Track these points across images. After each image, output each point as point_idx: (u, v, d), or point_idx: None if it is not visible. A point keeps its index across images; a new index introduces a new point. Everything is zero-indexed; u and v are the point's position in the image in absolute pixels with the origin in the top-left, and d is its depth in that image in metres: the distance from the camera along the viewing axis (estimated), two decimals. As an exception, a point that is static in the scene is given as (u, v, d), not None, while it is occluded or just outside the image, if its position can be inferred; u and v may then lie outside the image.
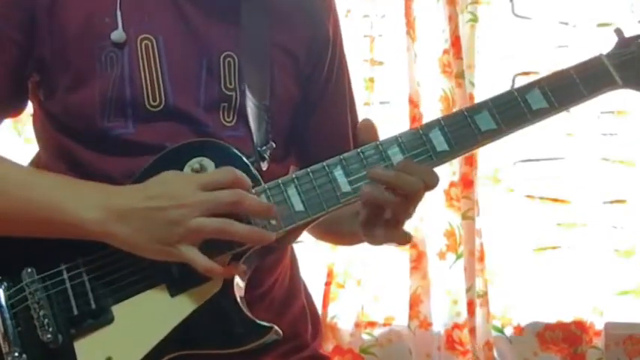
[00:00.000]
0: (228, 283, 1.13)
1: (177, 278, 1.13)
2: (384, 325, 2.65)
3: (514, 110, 1.17)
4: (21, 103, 1.28)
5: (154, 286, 1.13)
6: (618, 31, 1.24)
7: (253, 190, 1.13)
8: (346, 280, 2.59)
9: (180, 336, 1.12)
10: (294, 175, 1.14)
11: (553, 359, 2.58)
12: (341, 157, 1.14)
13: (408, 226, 2.72)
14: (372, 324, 2.64)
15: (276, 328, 1.13)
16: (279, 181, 1.14)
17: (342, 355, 2.59)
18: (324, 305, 2.58)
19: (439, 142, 1.16)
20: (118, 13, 1.19)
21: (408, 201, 1.13)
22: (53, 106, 1.22)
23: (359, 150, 1.15)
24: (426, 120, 2.57)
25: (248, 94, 1.21)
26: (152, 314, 1.12)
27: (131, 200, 1.10)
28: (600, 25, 2.52)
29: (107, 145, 1.19)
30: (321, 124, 1.34)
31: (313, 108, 1.33)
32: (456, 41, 2.58)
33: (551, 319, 2.59)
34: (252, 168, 1.15)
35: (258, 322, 1.13)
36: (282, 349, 1.26)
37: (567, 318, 2.58)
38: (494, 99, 1.18)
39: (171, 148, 1.16)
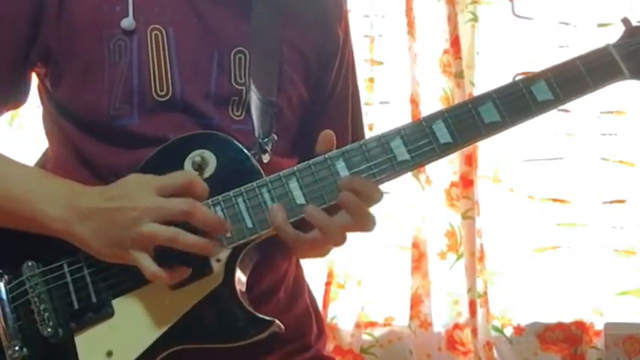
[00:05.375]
0: (229, 277, 1.12)
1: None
2: (384, 325, 2.65)
3: (519, 102, 1.14)
4: (21, 94, 1.27)
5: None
6: (626, 21, 1.21)
7: (254, 184, 1.12)
8: (346, 280, 2.59)
9: (181, 330, 1.11)
10: (295, 168, 1.13)
11: (553, 359, 2.58)
12: (343, 149, 1.13)
13: (410, 225, 2.71)
14: (372, 324, 2.64)
15: (277, 322, 1.13)
16: (281, 174, 1.13)
17: (343, 355, 2.59)
18: (324, 305, 2.58)
19: (442, 134, 1.13)
20: (130, 0, 1.19)
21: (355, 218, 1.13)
22: (61, 95, 1.22)
23: (361, 143, 1.14)
24: (425, 119, 2.57)
25: (253, 89, 1.21)
26: (152, 308, 1.12)
27: (94, 200, 1.10)
28: (600, 25, 2.52)
29: (111, 136, 1.18)
30: (327, 127, 1.34)
31: (320, 110, 1.32)
32: (455, 41, 2.58)
33: (551, 320, 2.60)
34: (252, 160, 1.15)
35: (259, 315, 1.12)
36: (287, 349, 1.25)
37: (567, 318, 2.58)
38: (499, 90, 1.15)
39: (173, 141, 1.15)
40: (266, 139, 1.19)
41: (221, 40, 1.22)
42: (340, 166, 1.12)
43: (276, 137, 1.20)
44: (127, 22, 1.18)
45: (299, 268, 1.36)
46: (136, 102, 1.18)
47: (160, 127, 1.17)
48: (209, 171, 1.13)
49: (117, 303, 1.13)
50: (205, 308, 1.11)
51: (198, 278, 1.12)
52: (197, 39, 1.21)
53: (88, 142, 1.20)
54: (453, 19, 2.58)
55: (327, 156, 1.12)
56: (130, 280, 1.13)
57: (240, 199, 1.11)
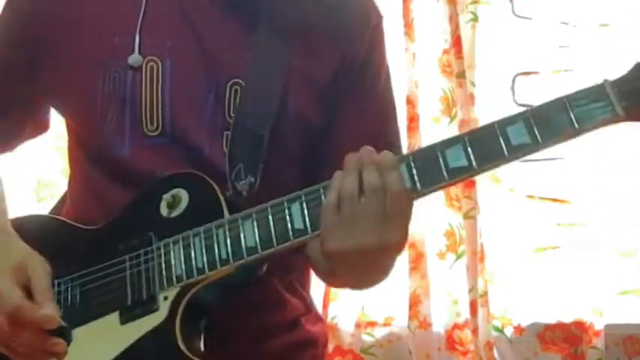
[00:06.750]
0: (173, 315, 1.10)
1: (130, 306, 1.13)
2: (384, 325, 2.65)
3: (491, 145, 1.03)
4: (37, 123, 1.33)
5: (110, 312, 1.13)
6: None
7: (213, 224, 1.10)
8: (346, 280, 2.59)
9: None
10: (254, 210, 1.10)
11: (553, 359, 2.58)
12: (303, 192, 1.08)
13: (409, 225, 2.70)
14: (372, 324, 2.64)
15: None
16: (239, 215, 1.10)
17: (343, 355, 2.59)
18: (324, 305, 2.58)
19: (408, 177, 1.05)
20: (137, 37, 1.19)
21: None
22: (68, 123, 1.27)
23: (320, 186, 1.08)
24: (423, 120, 2.58)
25: (243, 124, 1.19)
26: (102, 340, 1.13)
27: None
28: (601, 25, 2.52)
29: (109, 166, 1.21)
30: (348, 142, 1.19)
31: (338, 128, 1.25)
32: (457, 41, 2.58)
33: (551, 320, 2.60)
34: (221, 199, 1.13)
35: (187, 354, 1.09)
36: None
37: (567, 318, 2.58)
38: (472, 132, 1.05)
39: (153, 182, 1.17)
40: (242, 182, 1.17)
41: (219, 71, 1.20)
42: (295, 209, 1.07)
43: (253, 179, 1.17)
44: (134, 59, 1.19)
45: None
46: (128, 134, 1.19)
47: (147, 162, 1.19)
48: (179, 209, 1.14)
49: (77, 331, 1.14)
50: (144, 344, 1.10)
51: (146, 314, 1.12)
52: (195, 69, 1.20)
53: (91, 169, 1.24)
54: (454, 19, 2.58)
55: (285, 199, 1.08)
56: (93, 309, 1.14)
57: (196, 239, 1.11)
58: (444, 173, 1.03)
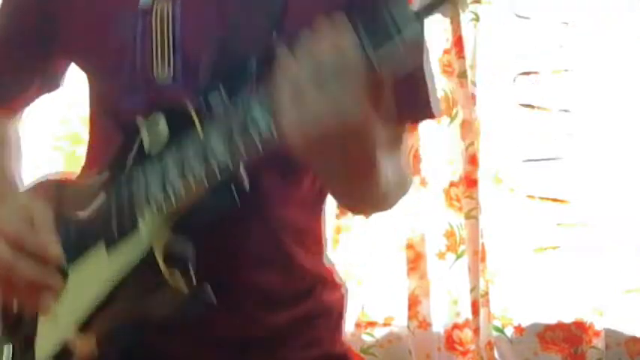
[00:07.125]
0: (155, 240, 1.09)
1: (114, 236, 1.11)
2: (384, 325, 2.65)
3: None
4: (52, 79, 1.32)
5: (97, 245, 1.12)
6: None
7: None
8: (346, 280, 2.58)
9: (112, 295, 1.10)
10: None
11: (553, 359, 2.58)
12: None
13: (407, 225, 2.69)
14: (372, 324, 2.64)
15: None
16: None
17: (343, 355, 2.59)
18: (325, 305, 2.58)
19: None
20: None
21: None
22: (89, 84, 1.27)
23: None
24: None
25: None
26: (91, 274, 1.12)
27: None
28: (601, 25, 2.52)
29: (120, 118, 1.18)
30: None
31: None
32: (458, 40, 2.58)
33: (552, 320, 2.60)
34: (195, 117, 1.09)
35: (171, 282, 1.07)
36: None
37: (567, 318, 2.58)
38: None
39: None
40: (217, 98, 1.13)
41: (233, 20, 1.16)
42: (256, 110, 1.01)
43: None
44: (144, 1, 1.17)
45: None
46: (140, 82, 1.17)
47: (158, 109, 1.15)
48: (159, 138, 1.11)
49: (71, 269, 1.13)
50: (130, 273, 1.09)
51: (129, 241, 1.10)
52: (207, 9, 1.17)
53: (106, 125, 1.22)
54: (456, 19, 2.58)
55: (241, 102, 1.03)
56: (81, 245, 1.14)
57: (170, 161, 1.07)
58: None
